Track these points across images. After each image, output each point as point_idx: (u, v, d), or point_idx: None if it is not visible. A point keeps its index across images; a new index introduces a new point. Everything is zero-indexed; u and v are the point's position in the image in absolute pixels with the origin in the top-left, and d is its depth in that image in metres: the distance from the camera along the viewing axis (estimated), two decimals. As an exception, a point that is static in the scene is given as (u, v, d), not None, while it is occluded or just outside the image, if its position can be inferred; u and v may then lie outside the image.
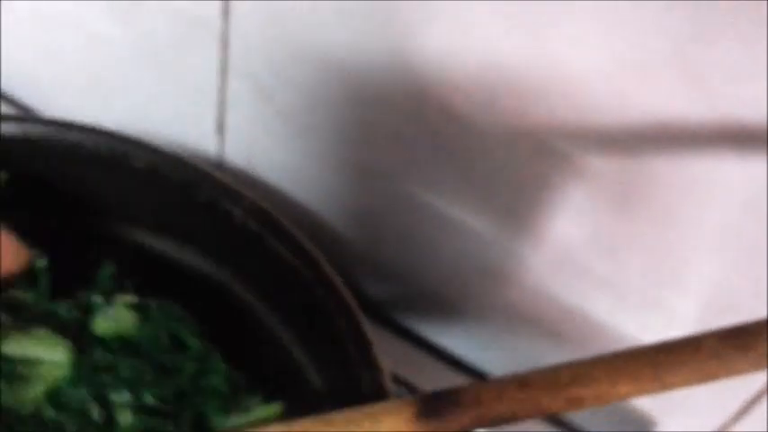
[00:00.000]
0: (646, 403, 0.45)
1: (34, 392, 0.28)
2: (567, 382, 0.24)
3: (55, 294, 0.32)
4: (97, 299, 0.32)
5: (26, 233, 0.31)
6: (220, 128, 0.44)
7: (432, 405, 0.26)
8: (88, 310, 0.32)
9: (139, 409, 0.29)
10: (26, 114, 0.33)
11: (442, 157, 0.40)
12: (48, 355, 0.29)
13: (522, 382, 0.25)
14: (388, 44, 0.37)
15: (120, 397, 0.29)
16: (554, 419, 0.47)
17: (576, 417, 0.47)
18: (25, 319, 0.30)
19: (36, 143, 0.32)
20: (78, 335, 0.30)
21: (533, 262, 0.40)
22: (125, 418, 0.29)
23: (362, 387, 0.28)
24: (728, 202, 0.34)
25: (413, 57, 0.37)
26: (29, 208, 0.32)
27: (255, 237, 0.31)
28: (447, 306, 0.45)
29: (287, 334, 0.32)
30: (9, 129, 0.32)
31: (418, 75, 0.38)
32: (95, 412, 0.29)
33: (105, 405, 0.29)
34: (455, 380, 0.39)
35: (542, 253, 0.40)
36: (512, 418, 0.25)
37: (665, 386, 0.24)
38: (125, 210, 0.34)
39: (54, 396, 0.28)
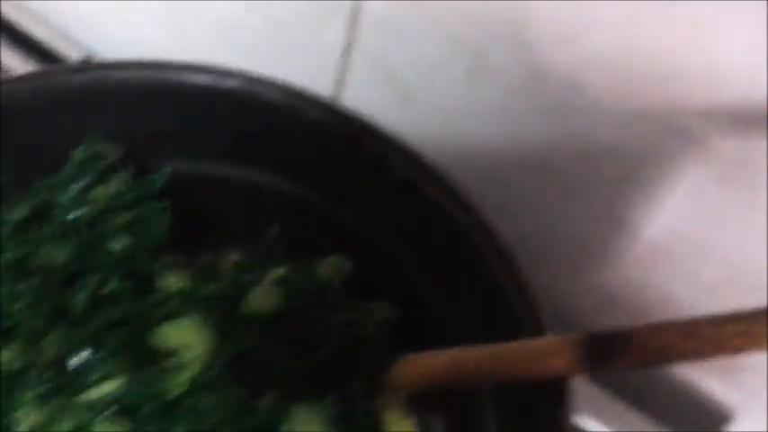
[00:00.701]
0: (726, 398, 0.47)
1: (180, 379, 0.29)
2: (731, 336, 0.26)
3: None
4: (250, 276, 0.33)
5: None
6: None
7: (600, 346, 0.28)
8: (241, 288, 0.33)
9: (283, 384, 0.30)
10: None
11: (558, 132, 0.42)
12: (191, 347, 0.29)
13: (691, 332, 0.27)
14: (513, 19, 0.39)
15: (263, 378, 0.30)
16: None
17: (655, 406, 0.49)
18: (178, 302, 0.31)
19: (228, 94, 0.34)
20: (226, 314, 0.31)
21: (644, 235, 0.42)
22: (269, 398, 0.30)
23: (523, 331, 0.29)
24: None
25: (539, 31, 0.39)
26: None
27: (410, 185, 0.33)
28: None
29: (436, 287, 0.34)
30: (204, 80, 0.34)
31: (544, 50, 0.40)
32: (239, 395, 0.29)
33: (248, 386, 0.30)
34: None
35: (654, 227, 0.42)
36: (672, 363, 0.27)
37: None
38: (291, 163, 0.36)
39: (198, 383, 0.29)
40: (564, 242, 0.44)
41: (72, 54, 0.57)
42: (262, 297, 0.31)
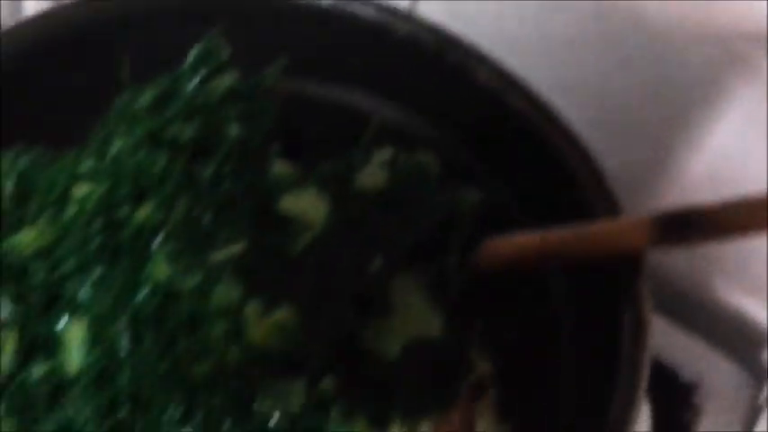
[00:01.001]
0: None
1: (301, 242, 0.32)
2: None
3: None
4: (359, 155, 0.36)
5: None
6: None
7: (670, 224, 0.31)
8: (351, 167, 0.36)
9: (387, 255, 0.33)
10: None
11: (613, 60, 0.45)
12: (311, 213, 0.33)
13: (755, 205, 0.30)
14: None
15: (371, 248, 0.33)
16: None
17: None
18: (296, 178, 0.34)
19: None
20: (339, 190, 0.34)
21: (701, 158, 0.45)
22: (377, 263, 0.33)
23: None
24: None
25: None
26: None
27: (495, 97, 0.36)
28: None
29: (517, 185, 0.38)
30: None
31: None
32: (352, 257, 0.32)
33: (358, 254, 0.33)
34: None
35: (701, 156, 0.45)
36: (741, 236, 0.30)
37: None
38: (383, 80, 0.39)
39: (315, 245, 0.32)
40: (625, 156, 0.48)
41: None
42: (370, 175, 0.35)
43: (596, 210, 0.34)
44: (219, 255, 0.31)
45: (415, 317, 0.32)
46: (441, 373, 0.34)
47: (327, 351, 0.31)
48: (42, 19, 0.38)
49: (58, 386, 0.30)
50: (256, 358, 0.30)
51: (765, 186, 0.43)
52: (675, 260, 0.51)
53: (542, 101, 0.36)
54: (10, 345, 0.31)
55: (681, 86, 0.44)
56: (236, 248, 0.31)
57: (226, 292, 0.30)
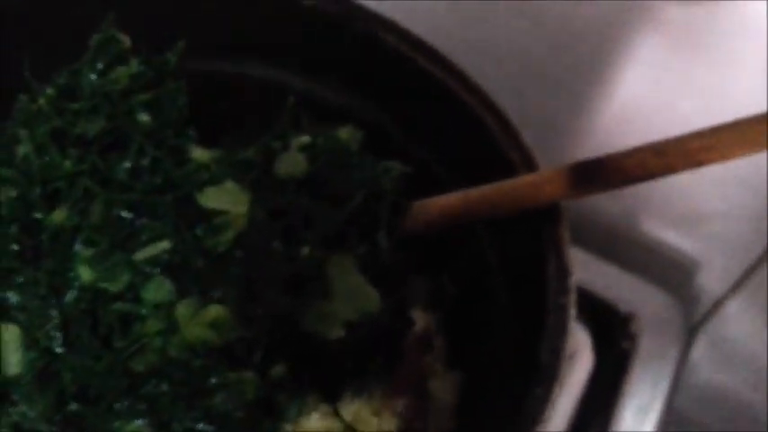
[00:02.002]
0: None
1: (226, 237, 0.32)
2: (693, 149, 0.31)
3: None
4: (277, 144, 0.36)
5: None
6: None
7: (584, 173, 0.32)
8: (270, 155, 0.35)
9: (317, 239, 0.33)
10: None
11: (526, 24, 0.45)
12: (234, 207, 0.33)
13: (659, 150, 0.31)
14: None
15: (298, 233, 0.33)
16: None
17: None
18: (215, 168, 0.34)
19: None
20: (259, 178, 0.34)
21: (605, 115, 0.46)
22: (306, 249, 0.33)
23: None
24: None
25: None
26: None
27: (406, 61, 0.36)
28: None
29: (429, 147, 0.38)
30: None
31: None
32: (279, 247, 0.33)
33: (286, 241, 0.33)
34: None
35: (613, 105, 0.46)
36: (648, 179, 0.32)
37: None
38: (291, 56, 0.39)
39: (241, 239, 0.32)
40: (542, 109, 0.49)
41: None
42: (290, 162, 0.34)
43: (514, 165, 0.34)
44: (144, 253, 0.31)
45: (353, 297, 0.33)
46: (383, 341, 0.35)
47: (270, 339, 0.32)
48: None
49: (2, 387, 0.31)
50: (196, 352, 0.31)
51: (674, 130, 0.45)
52: (607, 203, 0.53)
53: (452, 63, 0.36)
54: None
55: (590, 41, 0.44)
56: (160, 246, 0.31)
57: (156, 292, 0.31)
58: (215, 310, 0.31)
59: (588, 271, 0.53)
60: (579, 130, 0.48)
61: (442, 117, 0.37)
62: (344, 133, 0.37)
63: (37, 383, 0.30)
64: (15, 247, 0.31)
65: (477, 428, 0.35)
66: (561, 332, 0.30)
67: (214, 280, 0.31)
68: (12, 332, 0.31)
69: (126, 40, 0.35)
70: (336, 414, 0.34)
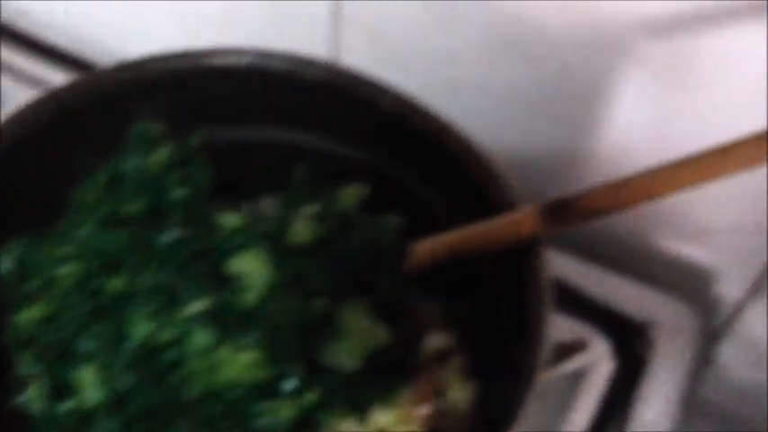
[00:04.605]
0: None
1: (253, 296, 0.38)
2: (647, 184, 0.35)
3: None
4: (287, 211, 0.42)
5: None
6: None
7: (554, 211, 0.37)
8: (283, 224, 0.41)
9: (329, 295, 0.39)
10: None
11: (524, 70, 0.50)
12: (258, 270, 0.38)
13: (615, 187, 0.36)
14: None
15: (313, 292, 0.38)
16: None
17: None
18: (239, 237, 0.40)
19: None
20: (275, 246, 0.39)
21: (605, 140, 0.50)
22: (320, 302, 0.38)
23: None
24: (759, 65, 0.43)
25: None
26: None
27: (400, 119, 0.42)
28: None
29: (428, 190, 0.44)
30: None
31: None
32: (297, 302, 0.38)
33: (302, 296, 0.38)
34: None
35: (607, 137, 0.50)
36: (609, 214, 0.36)
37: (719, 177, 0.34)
38: (301, 120, 0.46)
39: (265, 298, 0.38)
40: (535, 153, 0.53)
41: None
42: (301, 230, 0.40)
43: (498, 206, 0.39)
44: (189, 310, 0.37)
45: (364, 336, 0.39)
46: (396, 365, 0.40)
47: (299, 373, 0.38)
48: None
49: (83, 416, 0.39)
50: (236, 387, 0.37)
51: (665, 149, 0.49)
52: (619, 217, 0.57)
53: (442, 119, 0.42)
54: (37, 390, 0.39)
55: (579, 78, 0.48)
56: (201, 304, 0.37)
57: (202, 339, 0.37)
58: (250, 355, 0.37)
59: (606, 284, 0.56)
60: (578, 160, 0.52)
61: (439, 166, 0.43)
62: (348, 195, 0.44)
63: (111, 412, 0.38)
64: (84, 309, 0.38)
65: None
66: (533, 358, 0.35)
67: (247, 330, 0.37)
68: (89, 372, 0.38)
69: (159, 128, 0.42)
70: (365, 422, 0.39)
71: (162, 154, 0.41)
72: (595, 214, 0.36)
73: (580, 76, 0.48)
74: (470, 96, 0.52)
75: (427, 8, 0.50)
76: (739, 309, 0.58)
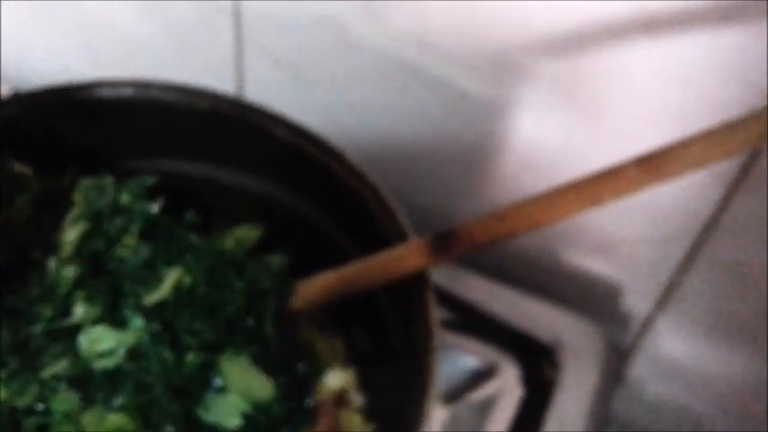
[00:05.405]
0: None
1: (117, 356, 0.37)
2: (530, 212, 0.35)
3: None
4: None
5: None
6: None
7: (440, 242, 0.37)
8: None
9: (205, 344, 0.38)
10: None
11: (424, 91, 0.50)
12: (105, 339, 0.37)
13: (501, 217, 0.36)
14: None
15: (188, 343, 0.37)
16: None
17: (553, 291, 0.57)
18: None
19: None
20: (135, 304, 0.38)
21: (511, 156, 0.51)
22: (193, 355, 0.37)
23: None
24: (645, 78, 0.44)
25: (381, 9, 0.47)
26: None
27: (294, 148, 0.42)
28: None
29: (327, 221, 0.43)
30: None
31: (391, 14, 0.47)
32: (168, 357, 0.37)
33: (176, 351, 0.37)
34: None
35: (510, 155, 0.51)
36: (496, 243, 0.36)
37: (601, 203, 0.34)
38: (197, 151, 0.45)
39: (134, 354, 0.37)
40: (443, 169, 0.53)
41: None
42: (176, 278, 0.38)
43: (390, 238, 0.39)
44: (49, 371, 0.36)
45: (247, 389, 0.37)
46: (289, 413, 0.39)
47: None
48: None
49: None
50: None
51: (570, 165, 0.48)
52: (528, 239, 0.57)
53: (336, 149, 0.41)
54: None
55: (479, 99, 0.49)
56: (62, 365, 0.37)
57: (63, 403, 0.36)
58: (118, 418, 0.35)
59: (515, 306, 0.56)
60: (483, 178, 0.53)
61: (335, 197, 0.42)
62: (232, 238, 0.43)
63: None
64: None
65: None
66: (424, 390, 0.34)
67: (112, 391, 0.36)
68: None
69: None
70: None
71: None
72: (483, 243, 0.36)
73: (480, 96, 0.48)
74: (374, 118, 0.52)
75: (322, 32, 0.50)
76: (648, 324, 0.59)
